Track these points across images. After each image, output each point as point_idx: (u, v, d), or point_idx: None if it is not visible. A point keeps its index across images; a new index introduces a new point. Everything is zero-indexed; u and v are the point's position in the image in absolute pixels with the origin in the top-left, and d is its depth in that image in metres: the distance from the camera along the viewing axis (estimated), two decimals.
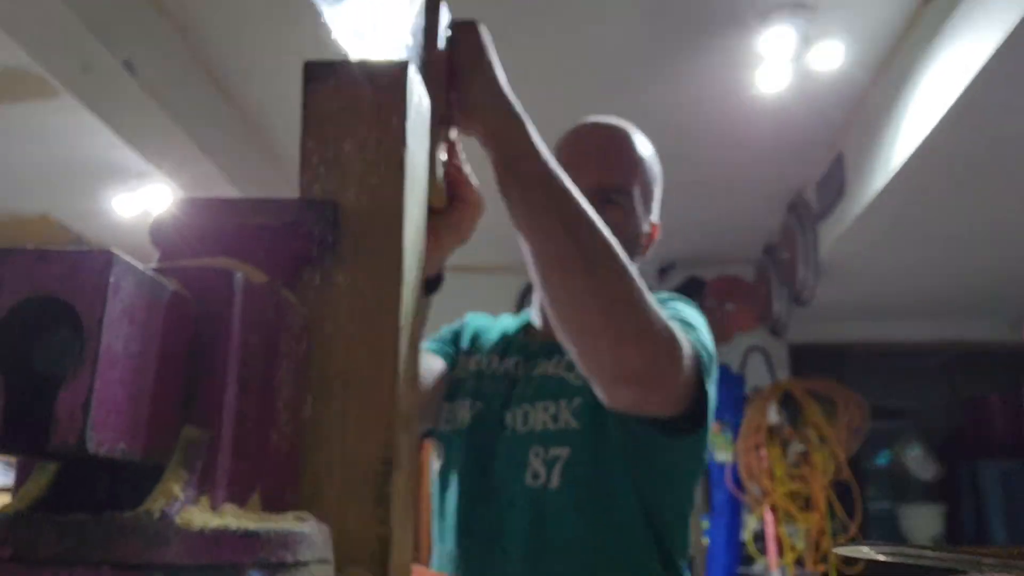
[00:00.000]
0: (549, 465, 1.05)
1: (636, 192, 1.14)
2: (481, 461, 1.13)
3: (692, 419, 0.95)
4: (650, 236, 1.22)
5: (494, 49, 0.80)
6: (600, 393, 0.89)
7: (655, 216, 1.22)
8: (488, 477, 1.12)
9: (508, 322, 1.30)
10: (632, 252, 1.15)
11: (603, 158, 1.14)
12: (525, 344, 1.22)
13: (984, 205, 3.07)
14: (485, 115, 0.78)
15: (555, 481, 1.05)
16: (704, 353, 0.96)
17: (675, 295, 1.17)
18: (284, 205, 0.41)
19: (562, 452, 1.05)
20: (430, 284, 0.93)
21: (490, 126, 0.78)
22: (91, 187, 3.01)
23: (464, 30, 0.78)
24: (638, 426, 0.98)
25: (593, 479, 1.03)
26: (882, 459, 4.38)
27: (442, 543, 1.13)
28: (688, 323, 0.99)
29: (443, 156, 0.79)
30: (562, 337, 0.85)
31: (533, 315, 1.28)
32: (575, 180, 1.03)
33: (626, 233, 1.10)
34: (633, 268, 0.84)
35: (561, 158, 1.13)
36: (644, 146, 1.18)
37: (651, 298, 0.84)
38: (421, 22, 0.72)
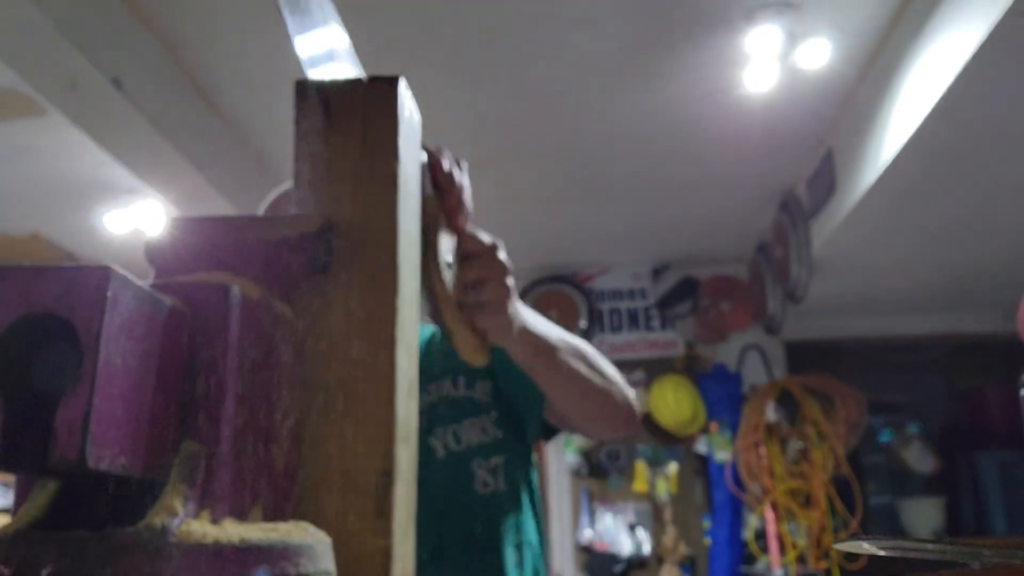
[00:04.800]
0: (493, 472, 1.23)
1: None
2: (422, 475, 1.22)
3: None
4: None
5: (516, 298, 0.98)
6: (590, 434, 1.22)
7: None
8: (428, 486, 1.19)
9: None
10: None
11: None
12: (428, 368, 1.30)
13: (973, 197, 3.08)
14: (508, 342, 0.99)
15: (502, 484, 1.23)
16: None
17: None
18: (278, 221, 0.41)
19: (499, 460, 1.23)
20: None
21: (510, 346, 1.01)
22: (82, 204, 3.00)
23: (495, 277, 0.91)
24: (549, 433, 1.28)
25: (522, 477, 1.25)
26: (884, 437, 4.37)
27: None
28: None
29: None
30: (577, 414, 1.20)
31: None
32: None
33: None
34: (606, 367, 1.19)
35: None
36: None
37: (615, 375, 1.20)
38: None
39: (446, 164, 0.81)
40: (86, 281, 0.28)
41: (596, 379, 1.15)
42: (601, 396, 1.16)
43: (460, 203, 0.82)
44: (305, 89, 0.45)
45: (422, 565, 1.17)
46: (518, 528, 1.24)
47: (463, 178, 0.84)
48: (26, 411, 0.27)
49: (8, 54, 2.01)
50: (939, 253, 3.68)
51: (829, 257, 3.57)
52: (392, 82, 0.44)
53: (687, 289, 4.42)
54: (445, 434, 1.24)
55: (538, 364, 1.06)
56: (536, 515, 1.29)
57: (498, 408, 1.25)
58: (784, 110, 2.87)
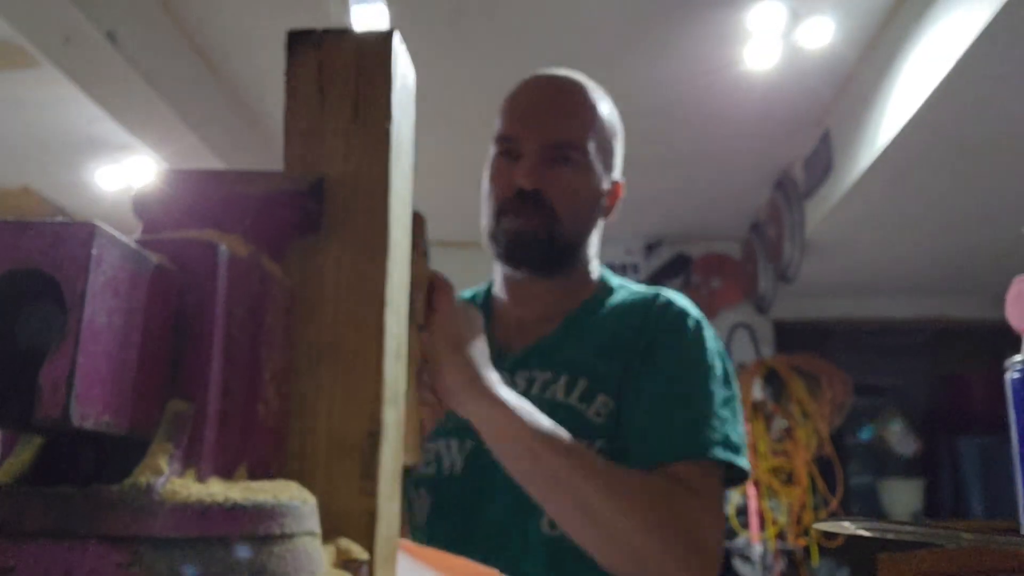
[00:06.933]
0: None
1: (592, 147, 1.04)
2: (478, 504, 1.00)
3: None
4: (614, 195, 1.12)
5: (471, 324, 0.80)
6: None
7: (617, 174, 1.13)
8: (486, 520, 0.99)
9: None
10: (593, 213, 1.08)
11: (555, 112, 1.04)
12: (506, 344, 1.07)
13: (969, 184, 3.08)
14: (461, 402, 0.79)
15: None
16: (737, 467, 0.96)
17: (706, 345, 1.03)
18: (269, 177, 0.41)
19: None
20: None
21: (467, 411, 0.81)
22: (73, 159, 2.97)
23: (442, 300, 0.75)
24: None
25: None
26: (865, 434, 4.43)
27: None
28: (729, 442, 0.95)
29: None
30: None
31: (496, 287, 1.14)
32: (526, 137, 1.02)
33: (584, 192, 1.04)
34: (637, 487, 0.87)
35: (511, 113, 1.06)
36: (601, 99, 1.08)
37: (664, 505, 0.86)
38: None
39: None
40: (71, 238, 0.27)
41: (609, 503, 0.83)
42: (611, 532, 0.83)
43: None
44: (298, 41, 0.44)
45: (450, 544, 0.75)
46: None
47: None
48: (10, 368, 0.27)
49: (2, 5, 1.98)
50: (931, 238, 3.69)
51: (822, 238, 3.58)
52: (386, 37, 0.44)
53: (679, 265, 4.42)
54: None
55: (507, 449, 0.83)
56: None
57: (610, 437, 0.96)
58: (784, 89, 2.86)
